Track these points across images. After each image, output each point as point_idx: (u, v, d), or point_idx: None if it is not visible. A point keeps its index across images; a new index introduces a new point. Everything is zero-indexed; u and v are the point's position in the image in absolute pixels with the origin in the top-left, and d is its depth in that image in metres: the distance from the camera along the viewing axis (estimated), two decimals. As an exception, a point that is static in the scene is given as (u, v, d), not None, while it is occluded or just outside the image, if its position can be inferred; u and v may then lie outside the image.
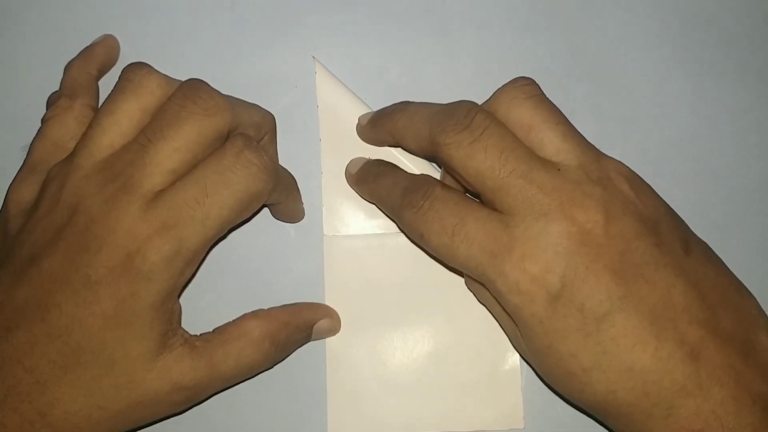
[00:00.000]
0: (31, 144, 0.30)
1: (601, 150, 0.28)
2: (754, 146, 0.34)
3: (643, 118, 0.34)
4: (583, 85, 0.34)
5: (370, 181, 0.32)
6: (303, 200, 0.33)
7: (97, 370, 0.26)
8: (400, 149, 0.32)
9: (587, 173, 0.26)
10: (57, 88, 0.34)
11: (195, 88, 0.27)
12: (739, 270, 0.27)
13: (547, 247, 0.25)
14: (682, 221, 0.28)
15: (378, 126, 0.31)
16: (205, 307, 0.32)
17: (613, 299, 0.25)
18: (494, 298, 0.28)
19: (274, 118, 0.31)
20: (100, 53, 0.33)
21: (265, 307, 0.30)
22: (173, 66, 0.34)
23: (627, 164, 0.27)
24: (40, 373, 0.25)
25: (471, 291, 0.32)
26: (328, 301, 0.32)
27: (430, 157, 0.30)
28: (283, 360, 0.31)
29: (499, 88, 0.28)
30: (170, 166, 0.26)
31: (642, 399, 0.25)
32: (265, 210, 0.33)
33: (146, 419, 0.28)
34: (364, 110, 0.33)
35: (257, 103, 0.31)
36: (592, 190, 0.26)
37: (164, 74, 0.28)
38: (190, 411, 0.30)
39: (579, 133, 0.27)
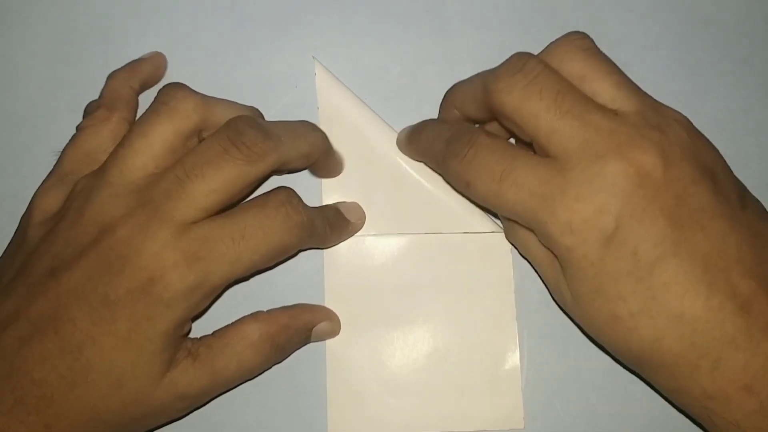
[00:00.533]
0: (62, 151, 0.30)
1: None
2: (754, 146, 0.34)
3: (643, 118, 0.34)
4: (583, 85, 0.34)
5: (414, 138, 0.31)
6: (303, 200, 0.33)
7: (104, 390, 0.26)
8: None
9: (645, 118, 0.26)
10: (57, 89, 0.34)
11: (240, 132, 0.27)
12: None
13: (602, 187, 0.24)
14: (737, 178, 0.27)
15: (445, 101, 0.31)
16: (205, 307, 0.32)
17: (667, 244, 0.24)
18: (541, 243, 0.27)
19: (324, 138, 0.31)
20: (145, 70, 0.33)
21: (265, 307, 0.30)
22: (173, 66, 0.34)
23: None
24: (48, 387, 0.25)
25: (511, 242, 0.31)
26: (328, 302, 0.32)
27: (488, 117, 0.30)
28: (281, 361, 0.31)
29: (551, 42, 0.28)
30: (204, 205, 0.26)
31: (689, 349, 0.24)
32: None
33: (148, 427, 0.28)
34: (363, 110, 0.33)
35: (304, 122, 0.30)
36: (650, 134, 0.25)
37: (201, 96, 0.28)
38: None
39: (634, 83, 0.27)
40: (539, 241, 0.28)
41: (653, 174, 0.25)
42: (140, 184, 0.27)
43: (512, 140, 0.32)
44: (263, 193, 0.28)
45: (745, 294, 0.24)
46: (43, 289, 0.26)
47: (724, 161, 0.27)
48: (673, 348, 0.24)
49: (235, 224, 0.27)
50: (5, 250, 0.29)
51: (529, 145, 0.28)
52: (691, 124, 0.27)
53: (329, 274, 0.32)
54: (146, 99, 0.30)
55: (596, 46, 0.27)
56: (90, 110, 0.31)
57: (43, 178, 0.30)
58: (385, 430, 0.31)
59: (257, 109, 0.32)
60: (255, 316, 0.29)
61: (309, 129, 0.30)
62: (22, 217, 0.29)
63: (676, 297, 0.24)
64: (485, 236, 0.32)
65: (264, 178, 0.28)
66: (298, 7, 0.35)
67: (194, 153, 0.27)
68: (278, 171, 0.29)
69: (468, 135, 0.28)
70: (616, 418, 0.32)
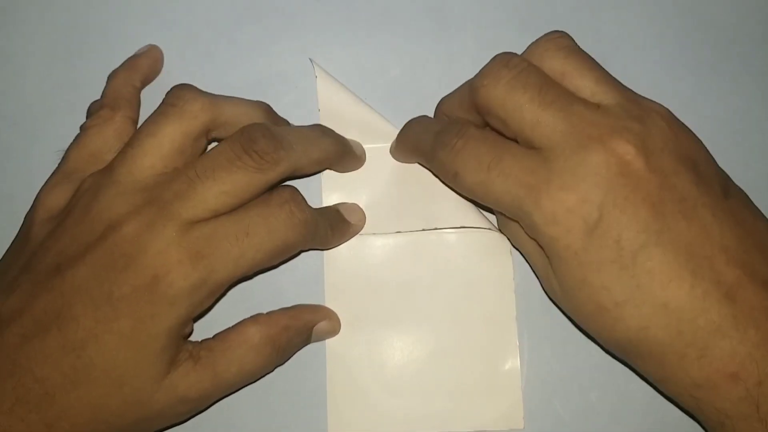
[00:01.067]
0: (66, 150, 0.30)
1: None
2: (754, 146, 0.34)
3: (643, 118, 0.34)
4: (583, 85, 0.34)
5: (402, 135, 0.32)
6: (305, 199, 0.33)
7: (106, 388, 0.26)
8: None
9: (626, 110, 0.26)
10: (57, 89, 0.34)
11: (253, 140, 0.27)
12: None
13: (585, 177, 0.25)
14: (720, 168, 0.27)
15: (436, 110, 0.32)
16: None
17: (650, 232, 0.24)
18: (527, 235, 0.27)
19: (337, 143, 0.31)
20: (144, 65, 0.33)
21: (266, 308, 0.30)
22: (173, 66, 0.34)
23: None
24: (50, 385, 0.25)
25: (504, 233, 0.31)
26: (328, 301, 0.32)
27: (476, 121, 0.30)
28: (283, 364, 0.31)
29: (532, 42, 0.28)
30: (214, 206, 0.26)
31: (675, 338, 0.24)
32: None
33: (149, 430, 0.28)
34: (364, 111, 0.33)
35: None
36: (631, 125, 0.25)
37: (209, 95, 0.29)
38: (190, 411, 0.30)
39: (614, 78, 0.27)
40: (526, 232, 0.28)
41: (635, 164, 0.25)
42: (148, 183, 0.27)
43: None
44: (267, 192, 0.28)
45: (729, 282, 0.24)
46: (47, 286, 0.26)
47: (707, 151, 0.27)
48: (660, 337, 0.24)
49: (239, 222, 0.27)
50: (9, 248, 0.29)
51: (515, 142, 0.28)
52: (672, 114, 0.27)
53: (329, 274, 0.33)
54: (152, 98, 0.30)
55: (576, 44, 0.28)
56: (93, 110, 0.31)
57: (45, 178, 0.30)
58: (385, 430, 0.31)
59: (267, 104, 0.32)
60: (255, 318, 0.29)
61: (321, 135, 0.30)
62: (26, 215, 0.29)
63: (661, 285, 0.24)
64: (485, 236, 0.32)
65: (275, 184, 0.28)
66: (298, 7, 0.35)
67: (206, 157, 0.27)
68: (290, 177, 0.29)
69: (457, 126, 0.28)
70: (616, 417, 0.32)
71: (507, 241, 0.32)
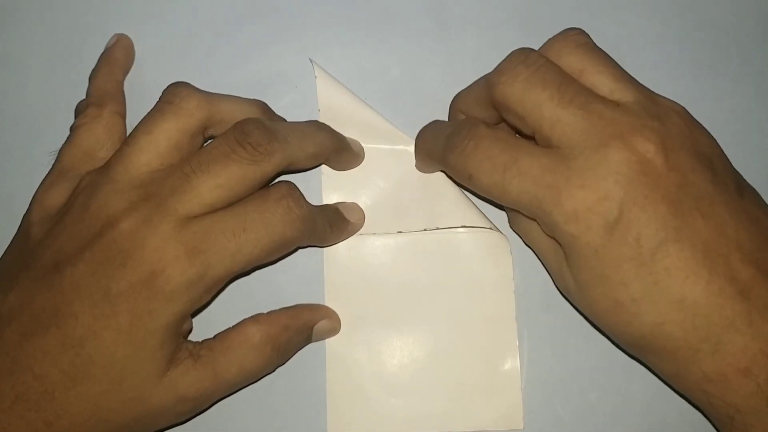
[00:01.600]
0: (60, 150, 0.30)
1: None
2: (754, 146, 0.34)
3: (643, 118, 0.34)
4: (583, 85, 0.34)
5: (417, 143, 0.32)
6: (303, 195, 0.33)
7: (105, 385, 0.26)
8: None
9: (644, 108, 0.26)
10: (57, 89, 0.34)
11: (247, 133, 0.27)
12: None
13: (606, 175, 0.25)
14: (733, 166, 0.28)
15: (451, 107, 0.32)
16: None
17: (669, 229, 0.24)
18: (544, 233, 0.28)
19: (333, 138, 0.31)
20: (120, 57, 0.33)
21: (265, 308, 0.30)
22: (173, 66, 0.34)
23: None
24: (49, 383, 0.25)
25: (515, 231, 0.31)
26: (328, 301, 0.32)
27: (493, 117, 0.30)
28: (284, 364, 0.31)
29: (549, 38, 0.28)
30: (209, 200, 0.27)
31: (690, 333, 0.25)
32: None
33: (149, 429, 0.28)
34: (365, 111, 0.33)
35: None
36: (650, 123, 0.25)
37: (205, 93, 0.29)
38: (190, 411, 0.30)
39: (631, 75, 0.27)
40: (542, 230, 0.28)
41: (654, 162, 0.25)
42: (144, 179, 0.27)
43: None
44: (265, 188, 0.28)
45: (744, 279, 0.25)
46: (46, 283, 0.26)
47: (721, 150, 0.27)
48: (675, 332, 0.25)
49: (237, 217, 0.27)
50: (8, 247, 0.29)
51: (531, 139, 0.28)
52: (688, 113, 0.27)
53: (329, 274, 0.33)
54: (150, 97, 0.30)
55: (593, 41, 0.28)
56: (80, 109, 0.31)
57: (42, 178, 0.30)
58: (384, 430, 0.31)
59: (263, 102, 0.32)
60: (255, 318, 0.29)
61: (316, 129, 0.30)
62: (24, 214, 0.29)
63: (678, 282, 0.24)
64: (485, 236, 0.32)
65: (271, 178, 0.28)
66: (298, 7, 0.35)
67: (201, 152, 0.27)
68: (286, 171, 0.29)
69: (467, 127, 0.28)
70: (616, 417, 0.32)
71: (507, 241, 0.32)
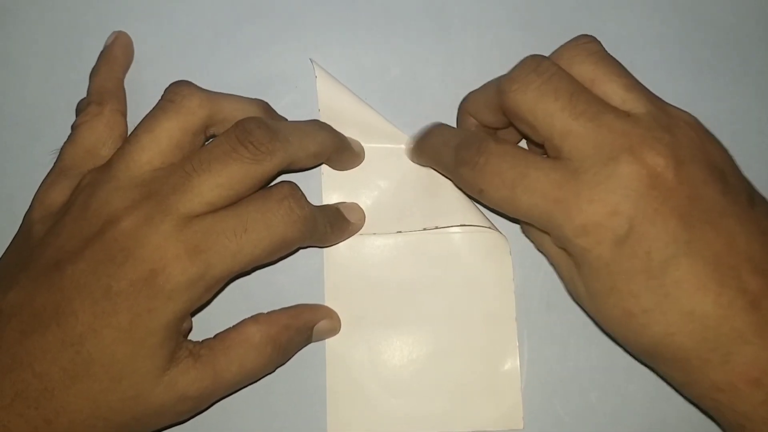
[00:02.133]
0: (61, 149, 0.30)
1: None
2: (754, 146, 0.34)
3: (643, 118, 0.34)
4: (583, 85, 0.34)
5: (420, 144, 0.32)
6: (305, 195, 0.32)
7: (105, 383, 0.26)
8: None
9: (656, 120, 0.26)
10: (57, 88, 0.34)
11: (249, 131, 0.27)
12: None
13: (615, 189, 0.25)
14: (745, 176, 0.28)
15: (460, 110, 0.32)
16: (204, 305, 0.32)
17: (679, 243, 0.25)
18: (555, 245, 0.28)
19: (334, 137, 0.31)
20: (119, 54, 0.33)
21: (266, 307, 0.30)
22: (173, 66, 0.34)
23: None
24: (49, 380, 0.25)
25: (528, 237, 0.32)
26: (328, 301, 0.32)
27: (502, 122, 0.30)
28: (284, 364, 0.31)
29: (560, 46, 0.28)
30: (210, 199, 0.27)
31: (700, 344, 0.25)
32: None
33: (149, 429, 0.28)
34: (365, 111, 0.33)
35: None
36: (661, 136, 0.26)
37: (207, 92, 0.29)
38: (190, 411, 0.30)
39: (643, 85, 0.27)
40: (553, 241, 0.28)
41: (665, 175, 0.25)
42: (145, 178, 0.27)
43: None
44: (267, 187, 0.28)
45: (754, 291, 0.25)
46: (47, 281, 0.26)
47: (733, 160, 0.27)
48: (685, 343, 0.25)
49: (238, 217, 0.27)
50: (10, 245, 0.29)
51: (540, 146, 0.28)
52: (700, 124, 0.27)
53: (329, 274, 0.33)
54: (152, 96, 0.30)
55: (605, 49, 0.28)
56: (81, 107, 0.31)
57: (43, 178, 0.30)
58: (384, 430, 0.31)
59: (265, 102, 0.32)
60: (255, 318, 0.29)
61: (317, 128, 0.30)
62: (26, 213, 0.29)
63: (688, 294, 0.25)
64: (485, 236, 0.32)
65: (271, 176, 0.28)
66: (298, 7, 0.35)
67: (203, 151, 0.27)
68: (287, 170, 0.29)
69: (477, 142, 0.28)
70: (616, 418, 0.32)
71: (507, 241, 0.32)
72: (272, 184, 0.29)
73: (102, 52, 0.33)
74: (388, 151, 0.33)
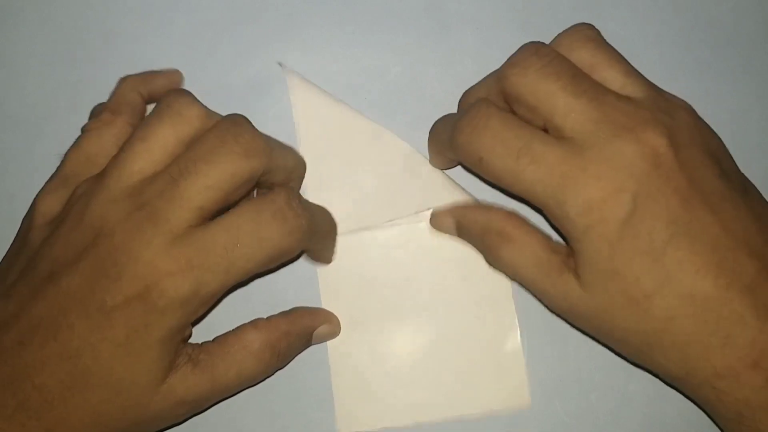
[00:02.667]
0: (65, 154, 0.30)
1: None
2: (754, 146, 0.34)
3: (643, 118, 0.34)
4: (583, 85, 0.34)
5: (430, 138, 0.32)
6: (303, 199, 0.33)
7: (104, 394, 0.25)
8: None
9: (655, 103, 0.26)
10: (58, 89, 0.34)
11: (237, 124, 0.27)
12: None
13: (620, 167, 0.25)
14: (736, 163, 0.28)
15: (459, 104, 0.32)
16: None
17: (680, 223, 0.25)
18: (538, 242, 0.27)
19: (305, 164, 0.31)
20: (158, 82, 0.32)
21: (262, 309, 0.30)
22: (173, 66, 0.34)
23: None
24: (48, 392, 0.25)
25: (494, 268, 0.30)
26: (325, 302, 0.32)
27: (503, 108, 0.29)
28: (283, 367, 0.31)
29: (559, 34, 0.28)
30: (199, 203, 0.26)
31: (700, 327, 0.25)
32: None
33: (149, 431, 0.28)
34: (340, 109, 0.33)
35: (237, 112, 0.29)
36: (661, 118, 0.26)
37: (205, 106, 0.28)
38: (190, 411, 0.30)
39: (640, 72, 0.28)
40: (548, 221, 0.28)
41: (666, 156, 0.25)
42: (137, 187, 0.26)
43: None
44: (260, 196, 0.28)
45: (751, 273, 0.25)
46: (42, 293, 0.26)
47: (726, 148, 0.28)
48: (685, 326, 0.25)
49: (229, 231, 0.26)
50: (7, 252, 0.29)
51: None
52: (695, 111, 0.28)
53: (323, 274, 0.32)
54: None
55: (602, 37, 0.28)
56: (95, 113, 0.31)
57: (44, 180, 0.30)
58: (393, 422, 0.31)
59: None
60: (255, 324, 0.29)
61: (295, 151, 0.31)
62: (23, 219, 0.29)
63: (689, 275, 0.25)
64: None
65: (257, 177, 0.27)
66: (298, 7, 0.35)
67: (188, 150, 0.27)
68: (263, 178, 0.28)
69: (477, 106, 0.28)
70: (616, 417, 0.32)
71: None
72: (268, 191, 0.29)
73: (148, 71, 0.33)
74: (370, 144, 0.33)
